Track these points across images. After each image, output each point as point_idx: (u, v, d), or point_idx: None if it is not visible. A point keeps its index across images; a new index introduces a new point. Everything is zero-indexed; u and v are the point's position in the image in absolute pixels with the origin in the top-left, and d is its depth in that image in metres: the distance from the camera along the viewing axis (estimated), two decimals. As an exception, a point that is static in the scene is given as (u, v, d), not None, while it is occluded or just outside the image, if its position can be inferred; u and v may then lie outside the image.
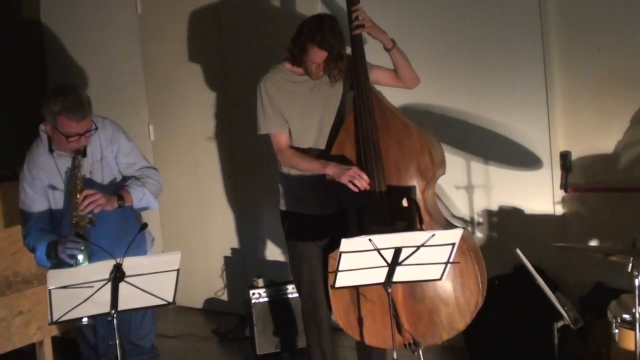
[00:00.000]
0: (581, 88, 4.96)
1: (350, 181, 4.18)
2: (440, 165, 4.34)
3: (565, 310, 3.70)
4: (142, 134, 6.97)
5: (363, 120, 4.28)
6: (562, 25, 4.97)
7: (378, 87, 4.44)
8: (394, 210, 4.25)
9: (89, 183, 4.07)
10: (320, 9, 5.72)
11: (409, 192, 4.27)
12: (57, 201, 4.16)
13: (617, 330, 3.77)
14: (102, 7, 7.26)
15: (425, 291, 4.18)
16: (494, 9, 5.15)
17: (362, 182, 4.18)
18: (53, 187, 4.14)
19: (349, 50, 4.38)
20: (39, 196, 4.16)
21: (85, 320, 3.70)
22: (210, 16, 6.50)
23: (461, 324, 4.19)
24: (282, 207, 4.67)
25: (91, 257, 3.87)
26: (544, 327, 3.92)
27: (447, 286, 4.16)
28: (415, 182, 4.26)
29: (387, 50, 4.37)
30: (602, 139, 4.90)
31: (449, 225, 4.39)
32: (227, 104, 6.54)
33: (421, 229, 4.18)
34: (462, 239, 4.04)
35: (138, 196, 4.12)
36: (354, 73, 4.34)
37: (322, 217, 4.50)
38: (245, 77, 6.32)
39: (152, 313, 4.41)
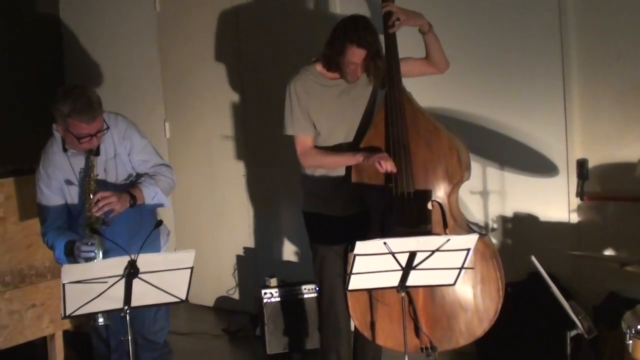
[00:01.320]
0: (599, 96, 4.94)
1: (378, 162, 4.15)
2: (466, 169, 4.33)
3: (579, 320, 3.67)
4: (157, 131, 6.98)
5: (394, 119, 4.26)
6: (581, 33, 4.95)
7: (405, 83, 4.40)
8: (419, 213, 4.24)
9: (103, 184, 4.08)
10: (339, 9, 5.72)
11: (435, 194, 4.26)
12: (73, 199, 4.17)
13: (631, 341, 3.73)
14: (120, 4, 7.27)
15: (445, 296, 4.17)
16: (513, 16, 5.14)
17: (388, 163, 4.15)
18: (69, 185, 4.15)
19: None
20: (55, 195, 4.16)
21: (101, 321, 3.73)
22: (229, 15, 6.50)
23: (479, 330, 4.19)
24: (305, 208, 4.65)
25: (107, 254, 3.87)
26: (557, 336, 3.89)
27: (467, 292, 4.16)
28: (442, 185, 4.25)
29: (422, 33, 4.34)
30: (620, 148, 4.88)
31: (472, 231, 4.36)
32: (243, 103, 6.54)
33: (445, 234, 4.17)
34: (485, 245, 4.07)
35: (150, 195, 4.11)
36: (386, 72, 4.32)
37: (346, 218, 4.48)
38: (262, 76, 6.34)
39: (166, 309, 4.41)
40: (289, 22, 6.11)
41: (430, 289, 4.14)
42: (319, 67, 4.45)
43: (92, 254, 3.88)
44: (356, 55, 4.26)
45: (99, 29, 7.46)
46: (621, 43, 4.81)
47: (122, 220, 4.07)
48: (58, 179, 4.15)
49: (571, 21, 4.96)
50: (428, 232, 4.15)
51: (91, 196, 3.93)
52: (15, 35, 7.18)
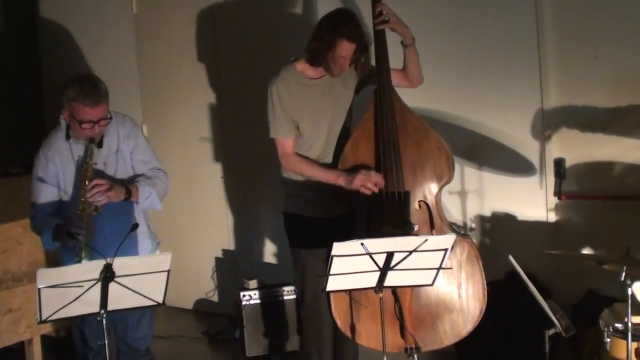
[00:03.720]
0: (576, 95, 4.96)
1: (362, 185, 4.17)
2: (453, 170, 4.33)
3: (557, 318, 3.69)
4: (135, 133, 6.94)
5: (384, 118, 4.25)
6: (558, 32, 4.97)
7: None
8: (407, 213, 4.24)
9: (101, 175, 4.13)
10: (318, 10, 5.70)
11: (423, 194, 4.26)
12: (67, 187, 4.23)
13: (608, 339, 3.76)
14: (97, 6, 7.23)
15: (431, 296, 4.18)
16: (489, 15, 5.15)
17: (371, 185, 4.16)
18: (64, 173, 4.21)
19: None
20: (50, 180, 4.23)
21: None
22: (206, 16, 6.48)
23: (464, 331, 4.20)
24: (287, 209, 4.61)
25: (94, 251, 3.87)
26: (536, 335, 3.91)
27: (453, 293, 4.17)
28: (430, 185, 4.25)
29: (405, 46, 4.34)
30: (597, 147, 4.91)
31: (456, 232, 4.36)
32: (221, 105, 6.52)
33: (432, 234, 4.17)
34: (471, 246, 4.08)
35: (145, 194, 4.18)
36: (376, 69, 4.32)
37: (330, 220, 4.46)
38: (239, 78, 6.32)
39: (150, 316, 4.42)
40: (266, 23, 6.10)
41: (417, 289, 4.13)
42: (299, 66, 4.43)
43: (80, 236, 3.93)
44: (346, 49, 4.25)
45: (76, 30, 7.42)
46: (598, 42, 4.83)
47: (112, 215, 4.11)
48: (55, 165, 4.22)
49: (547, 21, 4.98)
50: (415, 233, 4.15)
51: (87, 182, 3.99)
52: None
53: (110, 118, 4.13)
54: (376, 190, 4.17)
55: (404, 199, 4.23)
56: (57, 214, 4.21)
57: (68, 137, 4.19)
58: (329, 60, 4.29)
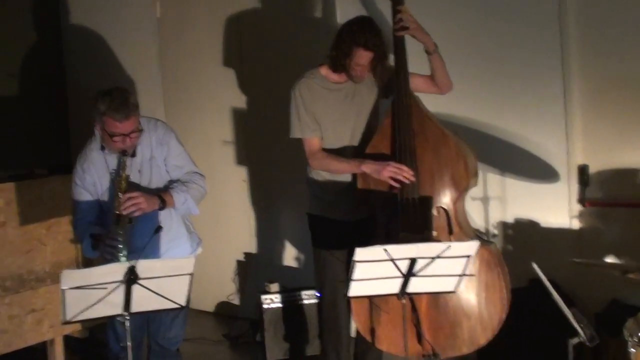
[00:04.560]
0: (600, 101, 4.94)
1: (391, 177, 4.17)
2: (474, 176, 4.33)
3: (581, 327, 3.66)
4: (158, 136, 6.97)
5: (401, 123, 4.27)
6: (583, 38, 4.95)
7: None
8: (424, 219, 4.23)
9: (135, 185, 4.15)
10: (339, 15, 5.71)
11: (441, 201, 4.25)
12: (105, 196, 4.25)
13: (633, 350, 3.72)
14: (121, 9, 7.27)
15: (448, 302, 4.17)
16: (512, 20, 5.13)
17: (404, 174, 4.16)
18: (101, 182, 4.24)
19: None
20: (87, 190, 4.26)
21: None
22: (230, 20, 6.49)
23: (482, 339, 4.18)
24: (311, 210, 4.66)
25: (131, 255, 3.95)
26: (559, 344, 3.88)
27: (471, 299, 4.16)
28: (448, 191, 4.24)
29: (428, 53, 4.36)
30: (621, 153, 4.87)
31: (479, 239, 4.34)
32: (243, 109, 6.54)
33: (450, 240, 4.16)
34: (490, 253, 4.07)
35: (180, 200, 4.18)
36: (394, 75, 4.34)
37: (351, 223, 4.49)
38: (262, 81, 6.33)
39: (183, 317, 4.44)
40: (290, 28, 6.11)
41: (433, 296, 4.12)
42: (323, 71, 4.48)
43: (117, 250, 3.96)
44: (363, 57, 4.29)
45: (100, 34, 7.45)
46: (623, 47, 4.81)
47: (149, 222, 4.12)
48: (92, 175, 4.25)
49: (572, 27, 4.95)
50: (432, 238, 4.14)
51: (120, 195, 4.00)
52: (16, 39, 7.18)
53: (142, 130, 4.14)
54: (407, 181, 4.17)
55: (420, 204, 4.24)
56: (99, 221, 4.25)
57: (102, 148, 4.22)
58: (348, 67, 4.33)
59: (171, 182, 4.31)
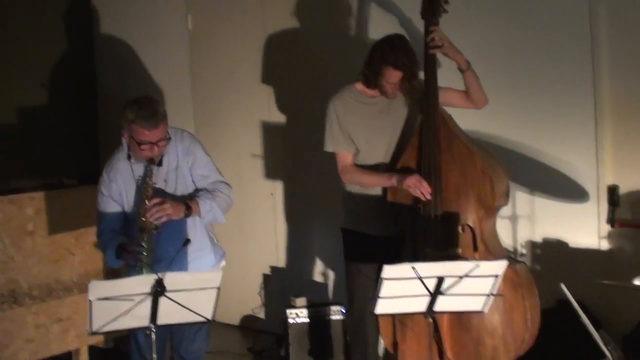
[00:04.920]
0: (631, 121, 4.90)
1: (410, 186, 4.21)
2: (501, 196, 4.32)
3: (608, 350, 3.63)
4: (187, 148, 6.99)
5: (426, 141, 4.29)
6: (614, 56, 4.92)
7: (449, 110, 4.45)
8: (448, 236, 4.23)
9: (161, 193, 4.16)
10: (370, 31, 5.71)
11: (467, 218, 4.24)
12: (131, 205, 4.26)
13: (660, 372, 3.70)
14: (153, 21, 7.32)
15: (471, 321, 4.15)
16: (544, 37, 5.11)
17: (421, 189, 4.19)
18: (128, 191, 4.26)
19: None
20: (113, 199, 4.27)
21: None
22: (260, 33, 6.52)
23: (505, 359, 4.14)
24: (344, 225, 4.70)
25: (157, 264, 3.96)
26: (586, 365, 3.86)
27: (494, 318, 4.13)
28: (474, 209, 4.23)
29: (462, 71, 4.38)
30: (652, 174, 4.84)
31: (508, 259, 4.33)
32: (272, 122, 6.54)
33: (474, 258, 4.15)
34: (515, 273, 4.03)
35: (206, 208, 4.18)
36: (424, 93, 4.35)
37: (383, 239, 4.50)
38: (292, 95, 6.35)
39: (206, 330, 4.44)
40: (320, 43, 6.12)
41: (456, 315, 4.11)
42: (359, 86, 4.55)
43: (141, 256, 3.98)
44: (393, 76, 4.34)
45: (133, 46, 7.51)
46: (655, 67, 4.79)
47: (174, 230, 4.14)
48: (118, 184, 4.26)
49: (603, 45, 4.93)
50: (457, 256, 4.13)
51: (146, 202, 4.02)
52: (50, 50, 7.24)
53: (169, 139, 4.16)
54: (422, 197, 4.20)
55: (444, 222, 4.23)
56: (123, 231, 4.26)
57: (129, 157, 4.23)
58: (379, 84, 4.39)
59: (197, 191, 4.31)
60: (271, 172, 6.64)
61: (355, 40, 5.81)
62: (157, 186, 4.13)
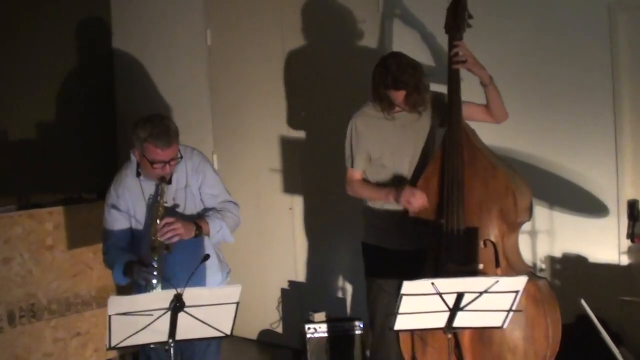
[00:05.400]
0: (652, 136, 4.89)
1: (405, 202, 4.28)
2: (524, 211, 4.31)
3: (629, 366, 3.61)
4: (206, 162, 7.01)
5: (449, 155, 4.28)
6: (634, 71, 4.91)
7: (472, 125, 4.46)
8: (470, 251, 4.21)
9: (171, 211, 4.16)
10: (394, 46, 5.71)
11: (489, 233, 4.23)
12: (139, 222, 4.26)
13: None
14: (172, 37, 7.35)
15: (492, 337, 4.12)
16: (563, 52, 5.10)
17: (416, 200, 4.25)
18: (136, 208, 4.25)
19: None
20: (121, 216, 4.26)
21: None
22: (279, 49, 6.53)
23: (526, 376, 4.12)
24: (365, 239, 4.72)
25: (168, 282, 3.90)
26: (606, 382, 3.82)
27: (516, 334, 4.11)
28: (496, 224, 4.22)
29: (484, 85, 4.38)
30: (673, 190, 4.81)
31: (530, 274, 4.31)
32: (291, 137, 6.55)
33: (497, 274, 4.13)
34: (538, 289, 4.01)
35: (215, 228, 4.18)
36: (447, 107, 4.35)
37: (404, 253, 4.51)
38: (311, 110, 6.35)
39: (216, 344, 4.43)
40: (341, 58, 6.12)
41: (478, 330, 4.08)
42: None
43: (151, 276, 3.96)
44: (397, 96, 4.39)
45: (151, 60, 7.54)
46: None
47: (183, 251, 4.12)
48: (126, 201, 4.26)
49: (624, 57, 4.92)
50: (478, 271, 4.11)
51: (157, 222, 4.01)
52: (69, 67, 7.27)
53: (181, 157, 4.16)
54: (416, 209, 4.27)
55: (466, 236, 4.22)
56: (130, 247, 4.25)
57: (138, 174, 4.23)
58: (392, 105, 4.44)
59: (205, 210, 4.31)
60: (290, 187, 6.64)
61: (376, 57, 5.77)
62: (168, 205, 4.14)
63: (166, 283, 3.89)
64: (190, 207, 4.29)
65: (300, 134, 6.47)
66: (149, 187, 4.21)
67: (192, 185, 4.29)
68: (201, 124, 7.16)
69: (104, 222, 4.32)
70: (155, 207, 4.06)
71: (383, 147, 4.53)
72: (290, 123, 6.55)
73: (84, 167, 6.98)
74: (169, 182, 4.16)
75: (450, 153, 4.28)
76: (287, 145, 6.60)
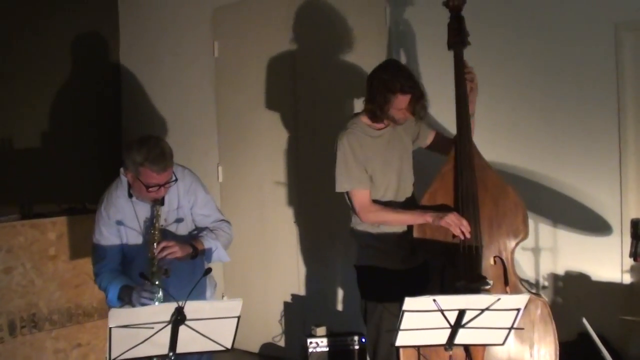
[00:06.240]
0: (656, 154, 4.88)
1: (450, 225, 4.18)
2: (527, 227, 4.32)
3: (630, 385, 3.60)
4: (211, 175, 7.02)
5: (464, 172, 4.27)
6: (639, 89, 4.89)
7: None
8: (481, 268, 4.22)
9: (165, 234, 4.15)
10: (401, 56, 5.73)
11: (499, 251, 4.24)
12: (130, 243, 4.23)
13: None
14: (179, 49, 7.38)
15: (501, 356, 4.13)
16: (569, 71, 5.10)
17: (463, 228, 4.17)
18: (128, 230, 4.23)
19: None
20: (113, 237, 4.24)
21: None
22: (286, 63, 6.54)
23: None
24: (361, 262, 4.62)
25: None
26: (607, 401, 3.81)
27: (525, 353, 4.13)
28: (506, 241, 4.24)
29: (470, 115, 4.42)
30: (676, 209, 4.80)
31: (528, 291, 4.33)
32: (296, 150, 6.56)
33: (506, 291, 4.16)
34: (545, 305, 4.01)
35: (211, 249, 4.16)
36: (456, 123, 4.35)
37: (405, 272, 4.47)
38: (316, 124, 6.35)
39: (208, 355, 4.41)
40: (346, 72, 6.13)
41: (489, 347, 4.08)
42: (364, 119, 4.52)
43: (152, 302, 3.93)
44: (402, 102, 4.33)
45: (158, 73, 7.57)
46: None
47: (177, 273, 4.12)
48: (119, 221, 4.23)
49: (629, 76, 4.91)
50: (489, 288, 4.11)
51: (155, 245, 3.99)
52: (75, 79, 7.30)
53: (176, 180, 4.15)
54: (462, 236, 4.17)
55: (480, 253, 4.21)
56: (121, 268, 4.25)
57: (130, 195, 4.22)
58: (389, 114, 4.37)
59: (199, 229, 4.32)
60: (294, 200, 6.64)
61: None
62: (163, 226, 4.14)
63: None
64: (182, 228, 4.30)
65: (307, 147, 6.47)
66: (142, 209, 4.21)
67: (184, 206, 4.30)
68: (207, 136, 7.17)
69: (94, 242, 4.30)
70: (152, 232, 4.05)
71: (374, 164, 4.47)
72: (296, 136, 6.55)
73: (87, 178, 7.00)
74: (162, 203, 4.12)
75: (464, 168, 4.27)
76: (292, 158, 6.61)
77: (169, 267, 4.01)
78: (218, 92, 7.12)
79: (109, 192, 4.30)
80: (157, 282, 3.95)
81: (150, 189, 4.02)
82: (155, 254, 3.98)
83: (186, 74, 7.35)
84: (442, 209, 4.27)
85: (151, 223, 4.10)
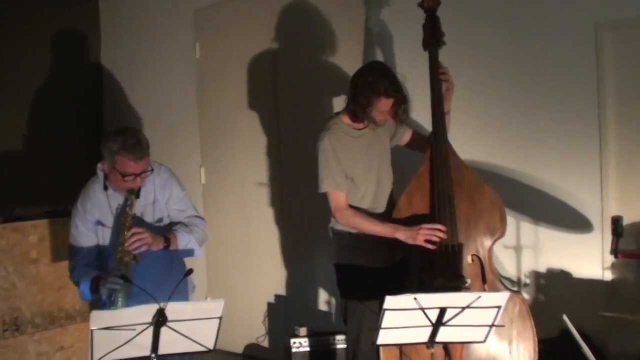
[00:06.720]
0: (636, 152, 4.90)
1: (426, 240, 4.16)
2: (505, 225, 4.32)
3: (611, 381, 3.62)
4: (193, 176, 7.02)
5: (440, 172, 4.28)
6: (619, 87, 4.93)
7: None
8: (459, 266, 4.23)
9: (139, 222, 4.16)
10: (380, 54, 5.75)
11: (476, 249, 4.25)
12: (105, 238, 4.25)
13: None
14: (161, 50, 7.37)
15: (481, 352, 4.15)
16: (549, 70, 5.13)
17: (438, 234, 4.16)
18: (102, 224, 4.24)
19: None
20: (89, 232, 4.25)
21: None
22: (268, 63, 6.54)
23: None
24: (341, 261, 4.62)
25: (132, 299, 3.92)
26: (588, 397, 3.83)
27: (504, 349, 4.15)
28: (483, 240, 4.25)
29: (446, 113, 4.44)
30: (656, 206, 4.83)
31: (506, 288, 4.36)
32: (279, 151, 6.56)
33: (484, 289, 4.17)
34: (523, 302, 4.05)
35: (184, 242, 4.19)
36: (432, 123, 4.36)
37: (384, 270, 4.48)
38: (299, 124, 6.35)
39: (190, 356, 4.40)
40: (328, 73, 6.14)
41: (467, 346, 4.10)
42: (345, 119, 4.51)
43: (117, 286, 3.95)
44: (386, 105, 4.33)
45: (139, 73, 7.55)
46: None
47: (152, 264, 4.13)
48: (94, 216, 4.25)
49: (609, 74, 4.93)
50: (467, 287, 4.13)
51: (125, 232, 4.01)
52: (56, 79, 7.27)
53: (152, 170, 4.17)
54: (439, 239, 4.17)
55: (457, 252, 4.22)
56: (97, 264, 4.25)
57: (106, 188, 4.23)
58: (371, 115, 4.37)
59: (173, 224, 4.33)
60: (277, 201, 6.64)
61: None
62: (136, 214, 4.14)
63: (132, 300, 3.88)
64: (158, 222, 4.30)
65: (289, 147, 6.47)
66: (116, 200, 4.23)
67: (160, 200, 4.31)
68: (189, 137, 7.17)
69: (70, 238, 4.32)
70: (124, 218, 4.07)
71: (355, 166, 4.47)
72: (278, 136, 6.55)
73: (68, 180, 6.94)
74: (138, 196, 4.14)
75: (440, 168, 4.28)
76: (275, 158, 6.61)
77: (138, 252, 4.00)
78: (200, 94, 7.11)
79: (85, 188, 4.32)
80: (123, 270, 3.95)
81: (126, 178, 4.04)
82: (125, 240, 3.98)
83: (168, 75, 7.35)
84: (415, 219, 4.27)
85: (123, 210, 4.11)
